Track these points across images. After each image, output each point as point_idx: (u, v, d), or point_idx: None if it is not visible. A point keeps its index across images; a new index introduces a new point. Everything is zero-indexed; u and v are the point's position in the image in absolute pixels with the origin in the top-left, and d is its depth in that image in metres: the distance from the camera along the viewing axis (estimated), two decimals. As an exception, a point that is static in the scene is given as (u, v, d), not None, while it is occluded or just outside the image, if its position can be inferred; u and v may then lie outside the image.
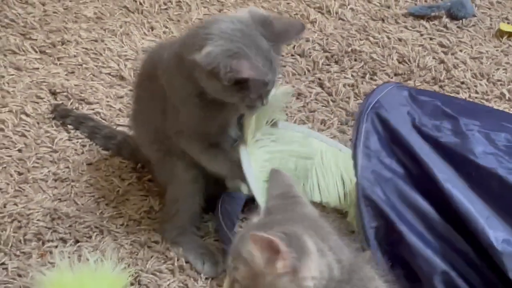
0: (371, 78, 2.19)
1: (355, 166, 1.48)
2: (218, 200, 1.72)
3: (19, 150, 1.94)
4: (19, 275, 1.66)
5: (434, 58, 2.26)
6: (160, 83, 1.65)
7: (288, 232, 1.11)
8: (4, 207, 1.79)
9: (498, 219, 1.40)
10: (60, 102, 2.08)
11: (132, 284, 1.64)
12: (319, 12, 2.49)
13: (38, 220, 1.76)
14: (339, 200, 1.78)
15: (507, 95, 2.10)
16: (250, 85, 1.53)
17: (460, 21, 2.42)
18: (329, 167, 1.80)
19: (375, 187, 1.46)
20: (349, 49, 2.29)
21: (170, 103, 1.64)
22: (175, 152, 1.70)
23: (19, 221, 1.75)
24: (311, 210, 1.24)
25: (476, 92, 2.12)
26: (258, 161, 1.67)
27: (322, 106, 2.10)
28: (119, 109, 2.07)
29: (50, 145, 1.96)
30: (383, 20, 2.45)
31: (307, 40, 2.33)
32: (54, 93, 2.12)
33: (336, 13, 2.48)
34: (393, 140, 1.50)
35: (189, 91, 1.59)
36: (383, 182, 1.47)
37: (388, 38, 2.35)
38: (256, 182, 1.61)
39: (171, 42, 1.71)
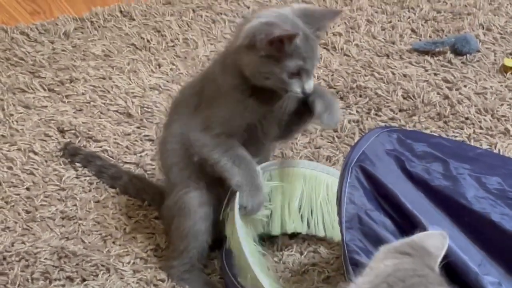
0: (376, 114, 2.21)
1: (340, 223, 1.45)
2: (224, 242, 1.73)
3: (27, 189, 1.96)
4: (27, 314, 1.68)
5: (438, 93, 2.27)
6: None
7: None
8: (12, 245, 1.81)
9: (492, 264, 1.39)
10: (68, 140, 2.10)
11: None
12: (324, 48, 2.51)
13: (45, 258, 1.77)
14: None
15: (512, 131, 2.12)
16: (286, 52, 1.57)
17: (465, 56, 2.44)
18: (334, 202, 1.80)
19: (361, 246, 1.42)
20: (354, 85, 2.31)
21: (204, 101, 1.69)
22: (195, 177, 1.72)
23: (26, 260, 1.77)
24: None
25: (481, 128, 2.13)
26: None
27: (328, 142, 2.11)
28: (126, 147, 2.09)
29: (58, 183, 1.97)
30: (388, 56, 2.47)
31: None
32: (62, 131, 2.14)
33: (341, 49, 2.50)
34: (379, 193, 1.47)
35: (231, 84, 1.65)
36: (371, 239, 1.43)
37: (393, 73, 2.37)
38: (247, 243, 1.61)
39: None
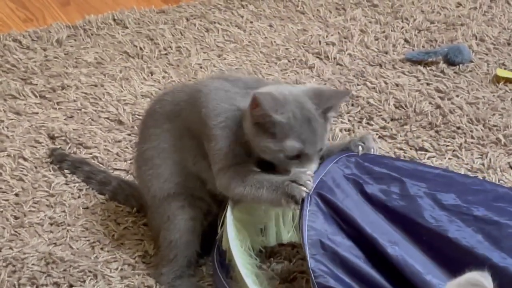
0: (367, 123, 2.20)
1: (304, 252, 1.46)
2: (214, 246, 1.72)
3: (16, 194, 1.95)
4: (13, 320, 1.67)
5: (430, 103, 2.27)
6: (187, 122, 1.67)
7: None
8: (0, 251, 1.80)
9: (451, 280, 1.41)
10: (58, 146, 2.10)
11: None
12: (317, 57, 2.52)
13: (33, 264, 1.75)
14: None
15: (503, 141, 2.11)
16: (277, 130, 1.52)
17: (457, 66, 2.44)
18: None
19: (327, 270, 1.43)
20: (347, 94, 2.30)
21: (209, 144, 1.63)
22: (188, 192, 1.71)
23: (13, 266, 1.75)
24: None
25: (472, 137, 2.13)
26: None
27: (319, 151, 2.10)
28: (117, 153, 2.08)
29: (47, 189, 1.97)
30: (380, 65, 2.47)
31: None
32: (52, 138, 2.13)
33: (334, 58, 2.50)
34: (340, 217, 1.49)
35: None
36: (336, 262, 1.45)
37: (386, 83, 2.36)
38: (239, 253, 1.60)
39: (205, 84, 1.70)
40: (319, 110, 1.56)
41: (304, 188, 1.50)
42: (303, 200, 1.50)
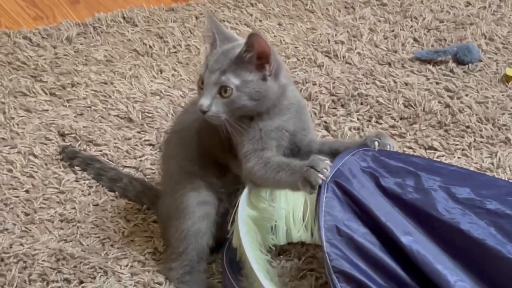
0: (377, 122, 2.21)
1: (320, 237, 1.48)
2: (223, 246, 1.73)
3: (27, 191, 1.96)
4: (23, 316, 1.67)
5: (439, 102, 2.27)
6: None
7: None
8: (10, 247, 1.80)
9: (464, 272, 1.43)
10: (68, 143, 2.11)
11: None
12: (326, 56, 2.52)
13: (43, 260, 1.76)
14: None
15: (512, 140, 2.12)
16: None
17: (466, 66, 2.44)
18: None
19: (342, 255, 1.45)
20: (356, 93, 2.31)
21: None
22: (206, 175, 1.73)
23: (24, 262, 1.76)
24: None
25: (481, 137, 2.13)
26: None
27: (328, 149, 2.11)
28: (126, 151, 2.09)
29: (58, 186, 1.97)
30: (389, 64, 2.47)
31: (314, 84, 2.35)
32: (62, 135, 2.14)
33: (343, 57, 2.50)
34: (356, 205, 1.51)
35: None
36: (351, 247, 1.47)
37: (395, 82, 2.37)
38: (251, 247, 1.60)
39: None
40: (245, 54, 1.61)
41: (321, 175, 1.52)
42: (320, 186, 1.52)
